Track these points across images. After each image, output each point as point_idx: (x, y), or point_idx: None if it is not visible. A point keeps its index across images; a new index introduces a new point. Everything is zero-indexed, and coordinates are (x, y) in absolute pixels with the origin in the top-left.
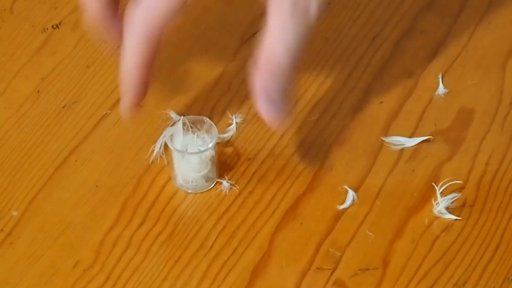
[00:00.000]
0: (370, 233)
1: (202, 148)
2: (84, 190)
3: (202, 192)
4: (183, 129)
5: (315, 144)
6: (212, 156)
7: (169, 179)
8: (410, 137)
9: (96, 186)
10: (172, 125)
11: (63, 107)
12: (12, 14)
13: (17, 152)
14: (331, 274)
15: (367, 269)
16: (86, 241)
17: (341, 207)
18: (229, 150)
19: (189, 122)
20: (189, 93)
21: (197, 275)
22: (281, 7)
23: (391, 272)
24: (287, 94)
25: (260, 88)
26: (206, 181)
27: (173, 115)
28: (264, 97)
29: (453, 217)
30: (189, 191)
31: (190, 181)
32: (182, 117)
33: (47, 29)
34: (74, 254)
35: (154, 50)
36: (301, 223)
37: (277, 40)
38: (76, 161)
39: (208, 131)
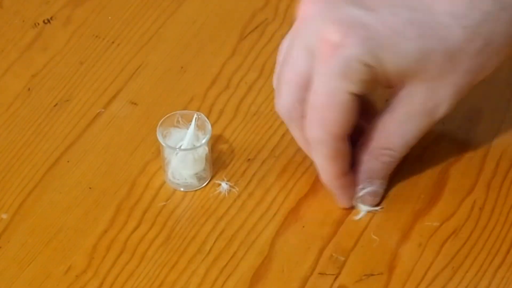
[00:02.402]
0: (375, 237)
1: (193, 145)
2: (76, 192)
3: (200, 194)
4: (176, 125)
5: None
6: (206, 154)
7: (165, 180)
8: None
9: (89, 188)
10: (165, 120)
11: (54, 106)
12: (1, 9)
13: (7, 152)
14: (335, 279)
15: (372, 275)
16: (78, 245)
17: (357, 217)
18: (225, 147)
19: (181, 117)
20: (187, 91)
21: (195, 281)
22: (411, 102)
23: (397, 278)
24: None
25: (366, 171)
26: (199, 179)
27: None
28: (367, 179)
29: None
30: (182, 189)
31: (183, 178)
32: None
33: (38, 24)
34: (66, 258)
35: (346, 157)
36: (303, 227)
37: (398, 132)
38: (68, 161)
39: (201, 128)
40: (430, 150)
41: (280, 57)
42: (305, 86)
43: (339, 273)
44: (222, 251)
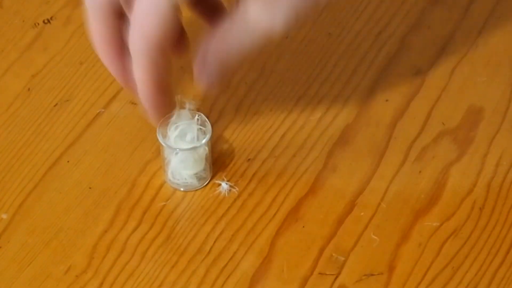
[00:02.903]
0: (375, 237)
1: (193, 145)
2: (76, 192)
3: (200, 194)
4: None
5: (318, 144)
6: (206, 154)
7: (165, 180)
8: (417, 136)
9: (89, 188)
10: (164, 120)
11: (54, 106)
12: (1, 9)
13: (7, 153)
14: (335, 279)
15: (372, 275)
16: (78, 245)
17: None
18: (225, 147)
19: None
20: (186, 92)
21: (195, 281)
22: (246, 18)
23: (397, 278)
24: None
25: (213, 55)
26: (199, 179)
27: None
28: (215, 63)
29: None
30: (182, 189)
31: (182, 178)
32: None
33: (38, 24)
34: (66, 258)
35: (164, 71)
36: (303, 227)
37: (234, 42)
38: (68, 162)
39: (202, 127)
40: (430, 150)
41: None
42: None
43: (339, 273)
44: (222, 251)
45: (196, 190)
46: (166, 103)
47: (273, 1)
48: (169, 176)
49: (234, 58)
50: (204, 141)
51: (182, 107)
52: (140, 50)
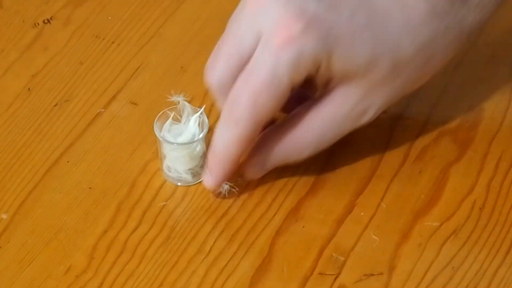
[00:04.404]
0: (375, 237)
1: (189, 140)
2: (76, 192)
3: (200, 194)
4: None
5: None
6: (202, 150)
7: (165, 180)
8: (417, 136)
9: (89, 188)
10: (162, 114)
11: (54, 106)
12: (1, 9)
13: (7, 153)
14: (335, 279)
15: (372, 275)
16: (78, 245)
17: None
18: None
19: (181, 112)
20: (187, 91)
21: (195, 281)
22: (342, 102)
23: (397, 278)
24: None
25: (266, 155)
26: (194, 175)
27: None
28: (261, 165)
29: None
30: (178, 183)
31: (177, 172)
32: (180, 100)
33: (38, 24)
34: (66, 259)
35: (254, 139)
36: (303, 227)
37: (316, 131)
38: (68, 162)
39: (200, 123)
40: (430, 150)
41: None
42: (243, 65)
43: (339, 273)
44: (222, 251)
45: (190, 185)
46: (233, 169)
47: (378, 86)
48: (165, 169)
49: (309, 152)
50: (200, 136)
51: (182, 104)
52: (241, 120)
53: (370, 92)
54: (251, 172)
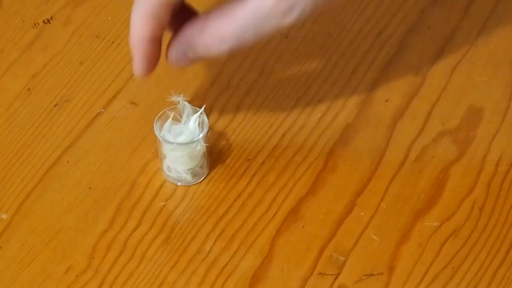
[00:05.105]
0: (375, 237)
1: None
2: (76, 192)
3: (200, 194)
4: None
5: (318, 144)
6: (203, 150)
7: (165, 180)
8: (417, 136)
9: (89, 188)
10: (162, 114)
11: (54, 106)
12: (1, 9)
13: (7, 152)
14: (335, 279)
15: (372, 275)
16: (78, 246)
17: None
18: (224, 147)
19: (181, 111)
20: (187, 91)
21: (195, 281)
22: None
23: (397, 278)
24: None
25: (186, 40)
26: (194, 175)
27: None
28: (182, 48)
29: None
30: (178, 183)
31: (177, 172)
32: (180, 99)
33: (38, 24)
34: (66, 259)
35: (162, 24)
36: (303, 227)
37: (238, 25)
38: (68, 161)
39: (200, 123)
40: (430, 150)
41: None
42: None
43: (339, 273)
44: (222, 251)
45: (190, 185)
46: (156, 54)
47: None
48: (165, 169)
49: (230, 44)
50: (200, 136)
51: (182, 104)
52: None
53: None
54: (174, 57)
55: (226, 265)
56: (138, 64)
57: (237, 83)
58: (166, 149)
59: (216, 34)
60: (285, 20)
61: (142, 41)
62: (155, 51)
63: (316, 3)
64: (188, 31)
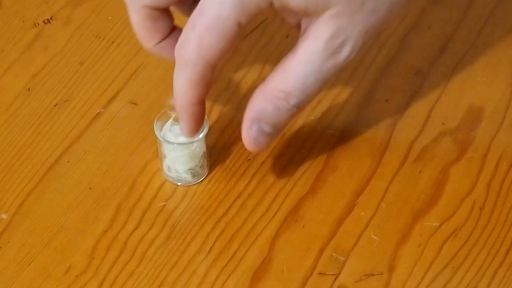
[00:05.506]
0: (375, 237)
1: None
2: (76, 192)
3: (200, 194)
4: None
5: (318, 144)
6: (202, 150)
7: (165, 180)
8: (417, 136)
9: (89, 187)
10: (162, 114)
11: (54, 106)
12: (1, 9)
13: (7, 153)
14: (335, 279)
15: (372, 275)
16: (78, 246)
17: None
18: (224, 147)
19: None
20: None
21: (195, 281)
22: (316, 38)
23: (397, 278)
24: (278, 132)
25: (255, 112)
26: (193, 175)
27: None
28: (255, 119)
29: None
30: (178, 183)
31: (177, 172)
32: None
33: (38, 24)
34: (66, 259)
35: (208, 86)
36: (303, 227)
37: (298, 73)
38: (68, 162)
39: None
40: (430, 150)
41: None
42: None
43: (339, 273)
44: (222, 251)
45: (190, 185)
46: (200, 113)
47: (346, 18)
48: (165, 169)
49: (296, 99)
50: (200, 136)
51: None
52: (190, 61)
53: (340, 24)
54: (252, 139)
55: (226, 265)
56: (187, 126)
57: (237, 83)
58: (166, 149)
59: (279, 92)
60: (341, 57)
61: (190, 105)
62: (203, 110)
63: (367, 31)
64: (252, 104)
